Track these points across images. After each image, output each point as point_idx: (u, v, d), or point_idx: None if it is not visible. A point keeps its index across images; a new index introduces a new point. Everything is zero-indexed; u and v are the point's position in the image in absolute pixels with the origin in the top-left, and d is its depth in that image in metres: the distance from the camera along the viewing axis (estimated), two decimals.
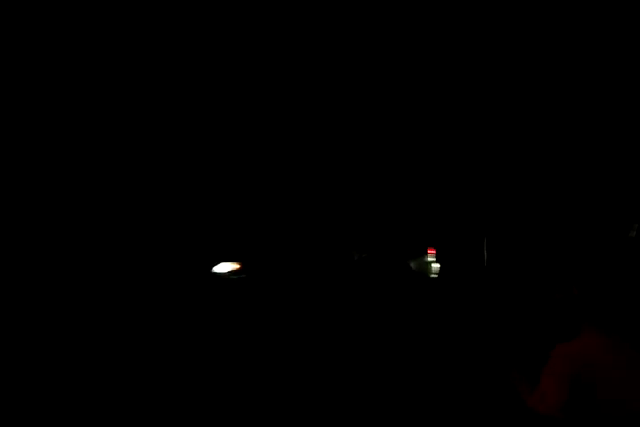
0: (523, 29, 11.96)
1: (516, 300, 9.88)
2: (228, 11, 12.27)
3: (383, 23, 12.65)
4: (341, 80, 14.25)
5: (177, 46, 12.95)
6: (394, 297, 11.01)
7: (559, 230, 12.24)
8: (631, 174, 11.58)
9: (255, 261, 14.19)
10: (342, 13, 12.38)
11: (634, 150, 11.58)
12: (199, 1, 12.21)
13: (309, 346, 7.33)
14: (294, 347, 7.29)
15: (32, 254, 13.07)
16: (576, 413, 1.66)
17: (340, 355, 6.81)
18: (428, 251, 14.23)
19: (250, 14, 12.39)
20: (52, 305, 10.03)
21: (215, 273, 14.17)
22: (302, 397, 5.27)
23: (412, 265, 13.65)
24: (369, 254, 13.75)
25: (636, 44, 10.82)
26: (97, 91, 13.31)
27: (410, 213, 15.20)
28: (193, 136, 15.15)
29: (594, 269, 1.81)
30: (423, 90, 14.06)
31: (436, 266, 14.34)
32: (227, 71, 13.90)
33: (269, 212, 15.82)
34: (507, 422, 3.77)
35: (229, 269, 13.99)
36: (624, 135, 11.72)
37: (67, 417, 4.58)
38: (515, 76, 12.76)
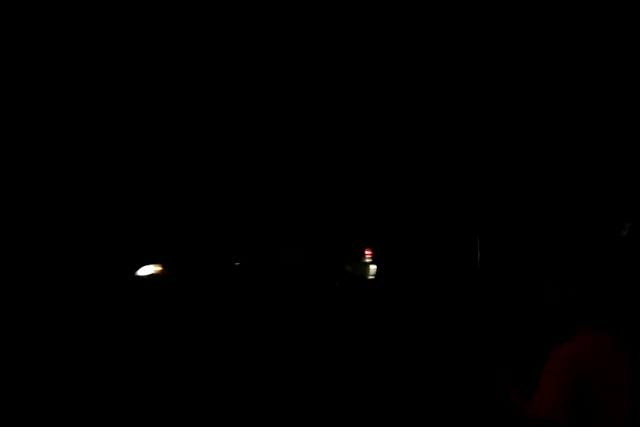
0: (522, 29, 11.85)
1: (509, 301, 9.84)
2: (228, 11, 12.15)
3: (383, 23, 12.50)
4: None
5: (177, 47, 12.87)
6: (322, 298, 10.52)
7: (551, 230, 12.28)
8: (623, 174, 11.72)
9: (180, 262, 13.44)
10: (342, 14, 12.24)
11: (626, 150, 11.72)
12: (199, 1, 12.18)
13: (233, 347, 7.17)
14: (219, 347, 7.16)
15: None
16: (574, 415, 1.60)
17: (265, 356, 6.68)
18: (365, 252, 13.64)
19: (250, 14, 12.26)
20: None
21: (139, 276, 13.48)
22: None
23: (348, 267, 13.08)
24: (301, 256, 13.10)
25: (635, 43, 10.87)
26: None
27: (347, 214, 14.61)
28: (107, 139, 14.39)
29: (587, 269, 1.79)
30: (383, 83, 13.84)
31: (372, 267, 13.78)
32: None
33: (194, 213, 15.01)
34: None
35: (152, 272, 13.26)
36: (617, 135, 11.85)
37: None
38: (503, 73, 12.70)
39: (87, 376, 5.84)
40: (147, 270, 13.26)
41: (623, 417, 1.65)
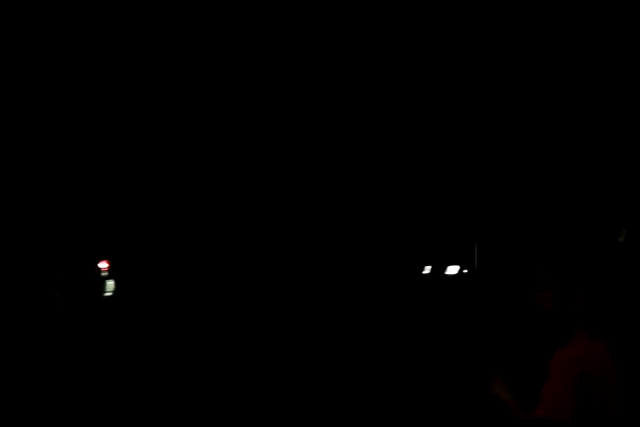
0: (523, 30, 11.65)
1: (504, 306, 10.19)
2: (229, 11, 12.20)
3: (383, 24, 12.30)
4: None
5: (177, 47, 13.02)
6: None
7: (548, 237, 12.47)
8: (619, 181, 12.02)
9: None
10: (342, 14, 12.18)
11: (622, 158, 12.07)
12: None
13: None
14: None
15: None
16: (579, 415, 1.70)
17: None
18: (100, 265, 11.47)
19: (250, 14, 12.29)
20: None
21: None
22: None
23: (77, 284, 10.85)
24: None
25: (634, 44, 10.78)
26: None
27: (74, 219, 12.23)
28: None
29: (599, 275, 1.85)
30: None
31: (110, 283, 11.71)
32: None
33: None
34: None
35: None
36: (613, 144, 12.20)
37: None
38: (502, 80, 12.54)
39: None
40: None
41: (617, 414, 1.78)
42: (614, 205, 12.52)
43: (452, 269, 21.75)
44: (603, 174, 13.04)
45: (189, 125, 14.13)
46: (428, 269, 19.37)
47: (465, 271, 20.90)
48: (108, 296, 11.69)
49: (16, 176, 11.96)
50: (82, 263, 11.25)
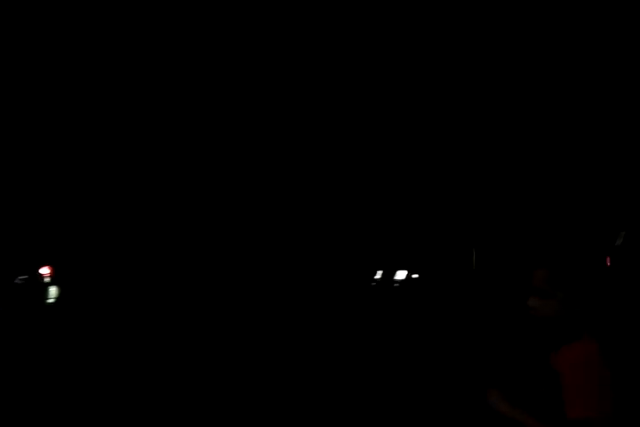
0: (523, 30, 11.50)
1: (500, 312, 10.19)
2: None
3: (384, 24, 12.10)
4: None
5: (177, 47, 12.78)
6: None
7: (545, 240, 12.40)
8: (617, 184, 12.06)
9: None
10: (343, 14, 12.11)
11: (620, 162, 12.06)
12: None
13: None
14: None
15: None
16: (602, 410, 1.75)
17: None
18: (41, 271, 10.87)
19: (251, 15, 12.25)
20: None
21: None
22: None
23: (17, 290, 10.26)
24: None
25: (634, 45, 10.77)
26: None
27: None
28: None
29: (599, 278, 1.86)
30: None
31: (53, 289, 11.13)
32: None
33: None
34: None
35: None
36: (611, 149, 12.21)
37: None
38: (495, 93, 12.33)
39: None
40: None
41: (614, 413, 1.80)
42: (612, 207, 12.75)
43: (401, 274, 21.94)
44: (600, 178, 13.31)
45: (132, 122, 13.79)
46: (379, 274, 19.46)
47: (414, 276, 21.11)
48: (51, 303, 11.11)
49: None
50: (22, 269, 10.65)
